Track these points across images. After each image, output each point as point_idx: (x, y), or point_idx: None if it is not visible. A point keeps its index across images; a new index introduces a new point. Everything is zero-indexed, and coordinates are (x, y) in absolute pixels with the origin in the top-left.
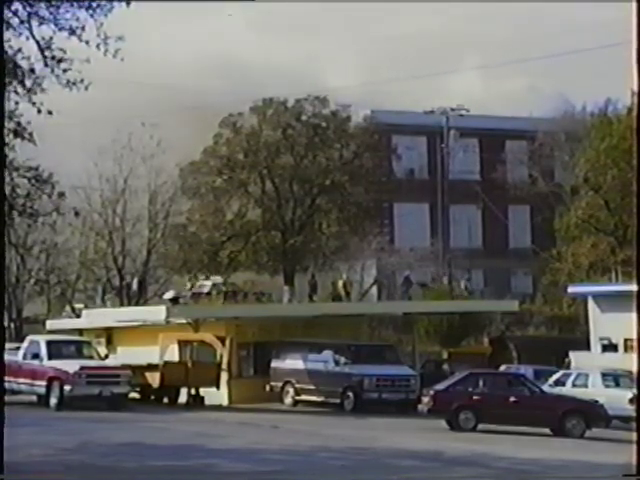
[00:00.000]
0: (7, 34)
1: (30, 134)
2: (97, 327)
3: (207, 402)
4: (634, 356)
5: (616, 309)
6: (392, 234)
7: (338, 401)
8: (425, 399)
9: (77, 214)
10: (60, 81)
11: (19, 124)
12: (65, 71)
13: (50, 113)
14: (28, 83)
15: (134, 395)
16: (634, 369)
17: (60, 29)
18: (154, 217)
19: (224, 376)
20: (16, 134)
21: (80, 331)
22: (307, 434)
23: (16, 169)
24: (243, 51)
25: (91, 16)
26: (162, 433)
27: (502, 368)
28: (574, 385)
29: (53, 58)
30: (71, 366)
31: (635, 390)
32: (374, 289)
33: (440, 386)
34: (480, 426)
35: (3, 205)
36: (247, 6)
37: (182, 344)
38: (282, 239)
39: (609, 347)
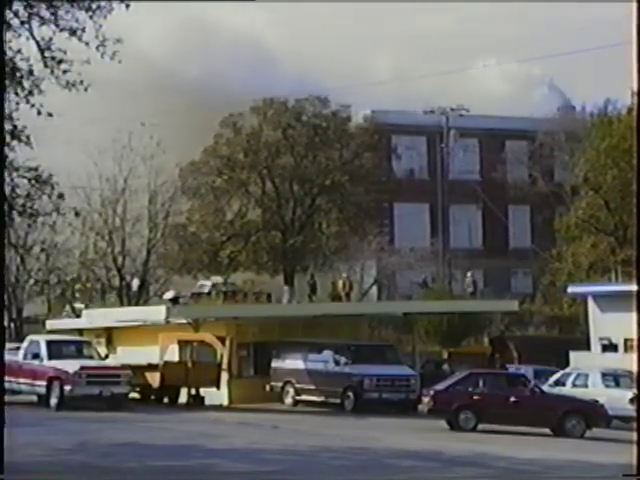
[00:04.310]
0: (7, 35)
1: (27, 137)
2: (97, 327)
3: (207, 402)
4: (634, 356)
5: (616, 309)
6: (392, 234)
7: (338, 401)
8: (425, 399)
9: (77, 214)
10: (60, 82)
11: (15, 127)
12: (65, 72)
13: (50, 115)
14: (26, 85)
15: (134, 395)
16: (634, 369)
17: (61, 30)
18: (154, 217)
19: (224, 376)
20: (13, 136)
21: (80, 331)
22: (307, 434)
23: (16, 169)
24: (243, 51)
25: (90, 17)
26: (162, 433)
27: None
28: (574, 385)
29: (53, 59)
30: (71, 366)
31: (635, 390)
32: (374, 289)
33: (440, 386)
34: (480, 426)
35: (3, 205)
36: (247, 6)
37: (182, 344)
38: (282, 239)
39: (609, 347)
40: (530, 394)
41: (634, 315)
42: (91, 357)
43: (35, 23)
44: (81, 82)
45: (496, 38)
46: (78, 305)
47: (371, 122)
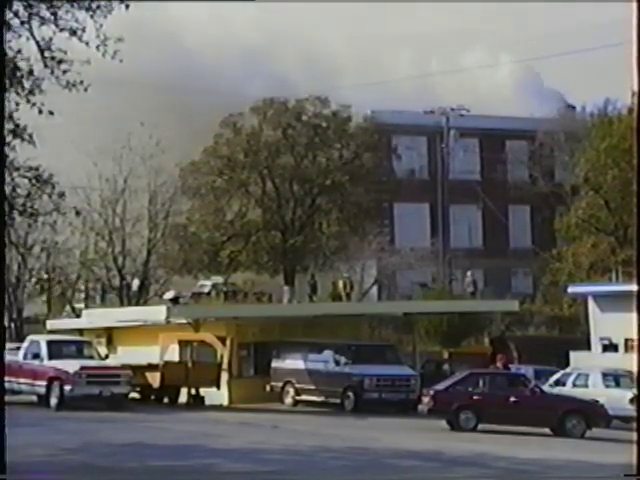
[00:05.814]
0: (7, 35)
1: (30, 135)
2: (97, 327)
3: (207, 402)
4: (634, 356)
5: (616, 309)
6: (392, 234)
7: (338, 401)
8: (425, 399)
9: (78, 213)
10: (60, 82)
11: (17, 125)
12: (65, 72)
13: (51, 113)
14: (27, 85)
15: (134, 395)
16: (634, 369)
17: (61, 30)
18: (154, 217)
19: (224, 376)
20: (15, 135)
21: (80, 331)
22: (307, 434)
23: (16, 169)
24: (243, 51)
25: (91, 17)
26: (162, 433)
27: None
28: (574, 385)
29: (53, 59)
30: (71, 366)
31: (635, 390)
32: (374, 289)
33: (440, 386)
34: (480, 426)
35: (3, 205)
36: (246, 6)
37: (182, 344)
38: (282, 239)
39: (609, 347)
40: (530, 394)
41: (634, 315)
42: (91, 357)
43: (35, 23)
44: (81, 82)
45: (496, 38)
46: (78, 305)
47: (371, 122)
